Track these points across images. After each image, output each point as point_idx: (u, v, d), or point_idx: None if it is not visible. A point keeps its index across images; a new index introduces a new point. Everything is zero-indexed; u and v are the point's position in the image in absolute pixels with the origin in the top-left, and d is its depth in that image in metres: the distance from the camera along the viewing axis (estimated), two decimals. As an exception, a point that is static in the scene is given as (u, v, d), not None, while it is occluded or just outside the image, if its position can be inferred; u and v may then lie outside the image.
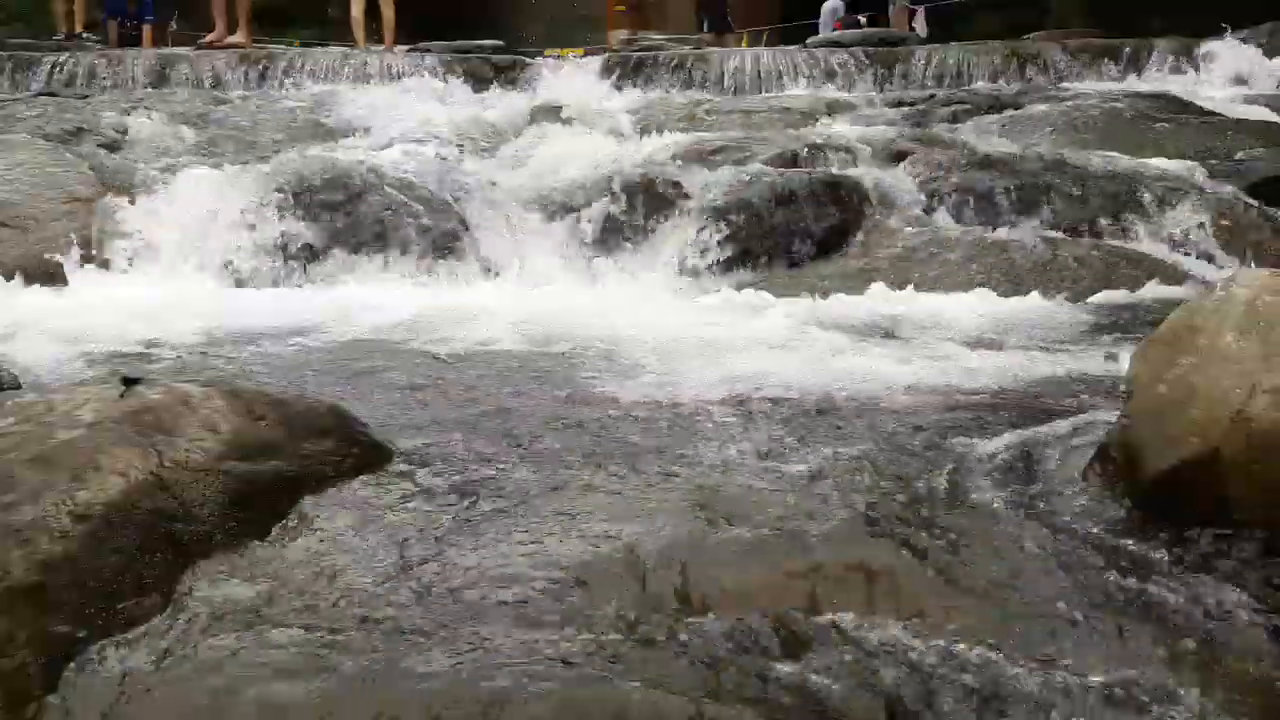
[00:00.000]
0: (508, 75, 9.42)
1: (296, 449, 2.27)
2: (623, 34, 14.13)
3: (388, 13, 11.27)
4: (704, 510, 2.09)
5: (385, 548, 1.96)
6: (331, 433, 2.35)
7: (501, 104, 8.16)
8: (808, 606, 1.76)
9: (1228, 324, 2.02)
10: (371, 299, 4.23)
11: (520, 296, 4.28)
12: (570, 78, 9.41)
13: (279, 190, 5.01)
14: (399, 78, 9.26)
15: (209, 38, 11.45)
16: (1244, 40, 10.35)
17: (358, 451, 2.34)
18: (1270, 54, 9.92)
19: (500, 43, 11.30)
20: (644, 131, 7.05)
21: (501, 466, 2.32)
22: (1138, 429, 2.12)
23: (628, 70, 9.70)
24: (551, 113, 7.50)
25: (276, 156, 5.54)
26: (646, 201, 5.25)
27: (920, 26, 14.70)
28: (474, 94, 8.65)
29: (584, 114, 7.48)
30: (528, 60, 10.06)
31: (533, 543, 1.96)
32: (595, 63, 10.03)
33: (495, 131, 6.75)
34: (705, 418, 2.71)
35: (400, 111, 7.59)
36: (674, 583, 1.83)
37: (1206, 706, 1.58)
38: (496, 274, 4.79)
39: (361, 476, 2.27)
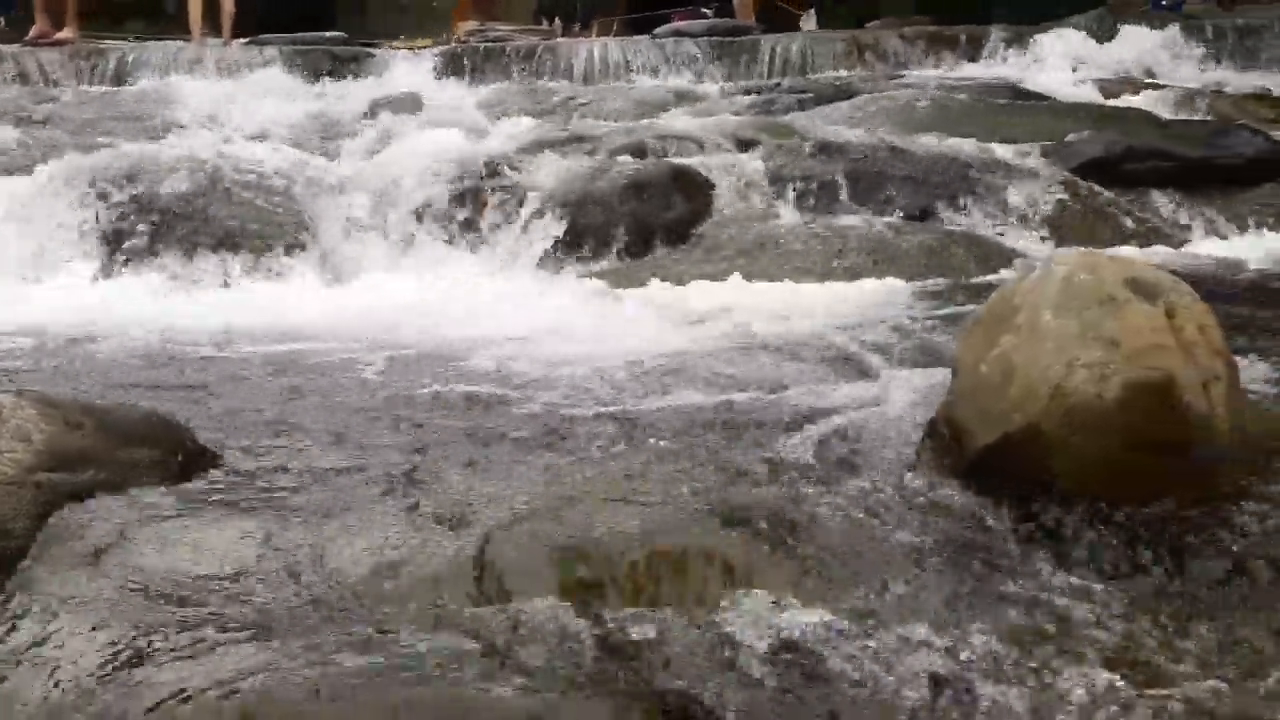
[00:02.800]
0: (350, 68, 9.23)
1: (116, 457, 2.17)
2: (471, 25, 13.95)
3: (227, 5, 10.93)
4: (531, 504, 2.07)
5: (207, 553, 1.90)
6: (154, 440, 2.26)
7: (345, 97, 7.99)
8: (641, 594, 1.76)
9: (1045, 303, 2.08)
10: (205, 300, 4.09)
11: (361, 293, 4.19)
12: (416, 70, 9.27)
13: (106, 188, 4.81)
14: (237, 71, 8.99)
15: (32, 33, 10.95)
16: (1075, 27, 10.76)
17: (182, 458, 2.25)
18: (1100, 39, 10.32)
19: (343, 35, 11.06)
20: (492, 123, 6.98)
21: (331, 467, 2.27)
22: (963, 406, 2.18)
23: (475, 61, 9.60)
24: (396, 105, 7.36)
25: (104, 152, 5.30)
26: (495, 193, 5.20)
27: (810, 24, 14.84)
28: (315, 87, 8.45)
29: (430, 106, 7.38)
30: (371, 52, 9.87)
31: (363, 543, 1.92)
32: (442, 54, 9.90)
33: (337, 125, 6.59)
34: (540, 411, 2.69)
35: (238, 106, 7.36)
36: (504, 577, 1.81)
37: (1031, 667, 1.63)
38: (338, 271, 4.68)
39: (186, 484, 2.19)
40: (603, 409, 2.73)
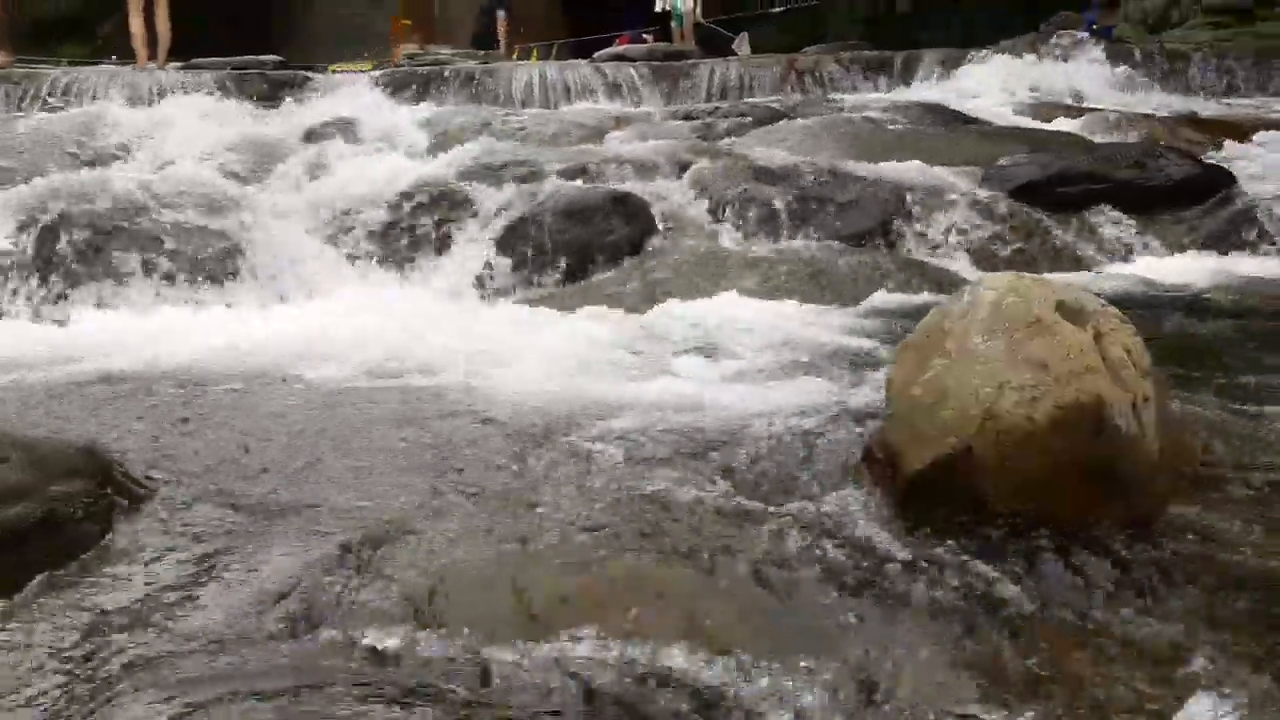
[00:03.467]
0: (288, 92, 9.15)
1: (45, 491, 2.13)
2: (410, 49, 13.94)
3: (163, 29, 10.80)
4: (460, 533, 2.06)
5: (136, 588, 1.86)
6: (84, 473, 2.22)
7: (281, 121, 7.91)
8: (578, 623, 1.75)
9: (975, 326, 2.11)
10: (141, 329, 4.02)
11: (296, 320, 4.14)
12: (354, 93, 9.22)
13: (37, 216, 4.72)
14: (172, 96, 8.88)
15: (-39, 58, 10.78)
16: (1008, 52, 10.95)
17: (112, 491, 2.21)
18: (1032, 64, 10.52)
19: (280, 59, 10.98)
20: (432, 147, 6.96)
21: (261, 499, 2.24)
22: (897, 429, 2.20)
23: (414, 85, 9.57)
24: (334, 129, 7.32)
25: (37, 180, 5.21)
26: (435, 218, 5.19)
27: (743, 48, 14.99)
28: (252, 111, 8.37)
29: (368, 130, 7.34)
30: (309, 76, 9.80)
31: (290, 573, 1.90)
32: (380, 78, 9.86)
33: (275, 149, 6.52)
34: (476, 437, 2.67)
35: (174, 131, 7.27)
36: (429, 604, 1.80)
37: (958, 684, 1.64)
38: (278, 297, 4.63)
39: (117, 517, 2.15)
40: (536, 434, 2.72)
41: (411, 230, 5.12)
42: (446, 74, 9.84)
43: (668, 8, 14.11)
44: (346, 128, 7.43)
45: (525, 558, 1.97)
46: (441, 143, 6.99)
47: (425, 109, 8.64)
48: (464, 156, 5.99)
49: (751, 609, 1.82)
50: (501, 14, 13.28)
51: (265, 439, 2.66)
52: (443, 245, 5.06)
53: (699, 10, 15.11)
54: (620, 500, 2.23)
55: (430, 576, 1.89)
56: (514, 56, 12.91)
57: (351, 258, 5.04)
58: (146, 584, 1.91)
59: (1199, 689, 1.57)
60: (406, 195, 5.25)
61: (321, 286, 4.77)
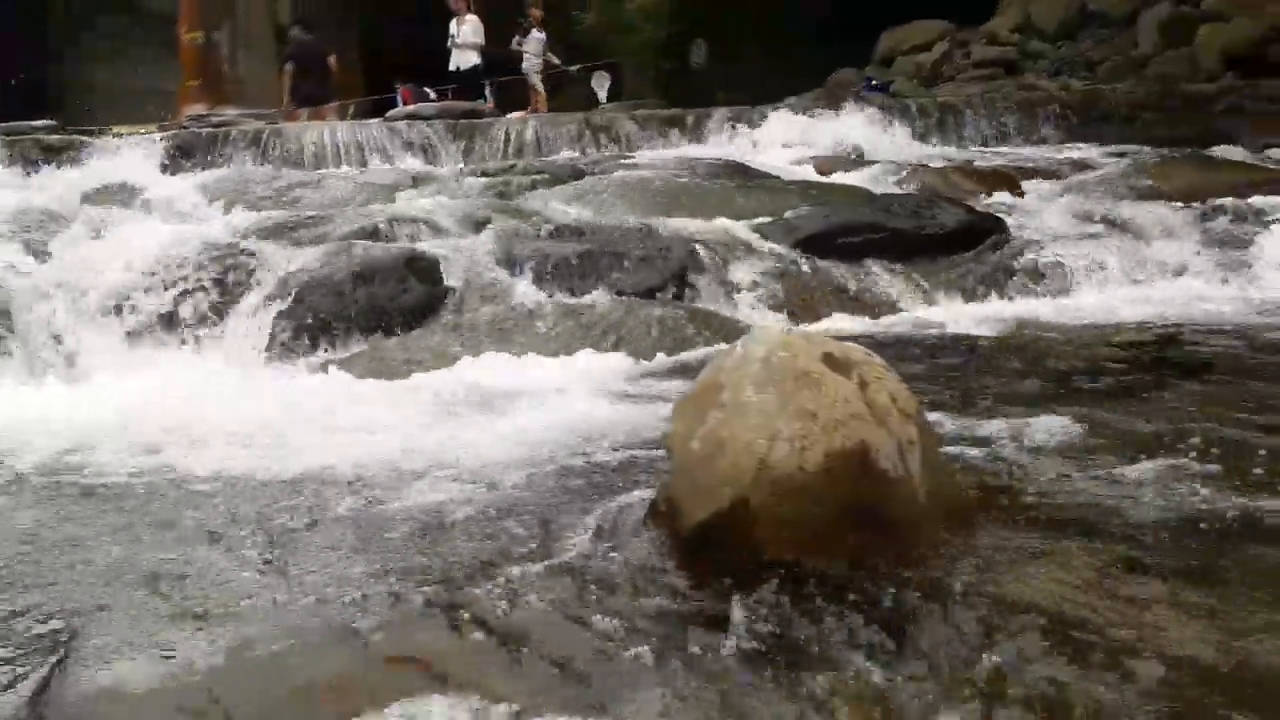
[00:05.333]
0: (64, 156, 8.76)
1: None
2: (198, 109, 13.57)
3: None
4: (238, 608, 1.98)
5: None
6: None
7: (54, 187, 7.54)
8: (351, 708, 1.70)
9: (747, 380, 2.16)
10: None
11: (70, 397, 3.94)
12: (136, 157, 8.88)
13: None
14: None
15: None
16: (793, 108, 11.38)
17: None
18: (816, 119, 10.94)
19: (53, 122, 10.50)
20: (216, 211, 6.75)
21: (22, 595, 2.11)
22: (679, 482, 2.23)
23: (200, 147, 9.30)
24: (110, 195, 7.02)
25: None
26: (219, 283, 5.03)
27: (602, 94, 15.04)
28: (23, 178, 7.97)
29: (148, 195, 7.07)
30: (86, 140, 9.40)
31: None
32: (164, 140, 9.54)
33: (46, 217, 6.21)
34: (254, 514, 2.59)
35: (-65, 199, 6.84)
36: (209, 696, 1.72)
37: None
38: (43, 373, 4.39)
39: None
40: (320, 504, 2.65)
41: (193, 298, 4.94)
42: (233, 135, 9.60)
43: (463, 67, 14.09)
44: (125, 193, 7.14)
45: (318, 627, 1.90)
46: (228, 205, 6.79)
47: (210, 171, 8.40)
48: (250, 220, 5.84)
49: (531, 663, 1.81)
50: (289, 67, 12.84)
51: (37, 519, 2.50)
52: (228, 312, 4.90)
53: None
54: (412, 571, 2.18)
55: (218, 662, 1.81)
56: (292, 117, 12.56)
57: (128, 331, 4.83)
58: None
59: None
60: (188, 261, 5.06)
61: (96, 362, 4.55)
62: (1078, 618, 1.89)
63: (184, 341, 4.83)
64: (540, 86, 15.00)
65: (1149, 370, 3.85)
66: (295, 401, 3.91)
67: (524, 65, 14.88)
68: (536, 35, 14.93)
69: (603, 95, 15.28)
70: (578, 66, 16.39)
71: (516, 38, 15.06)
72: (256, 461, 2.99)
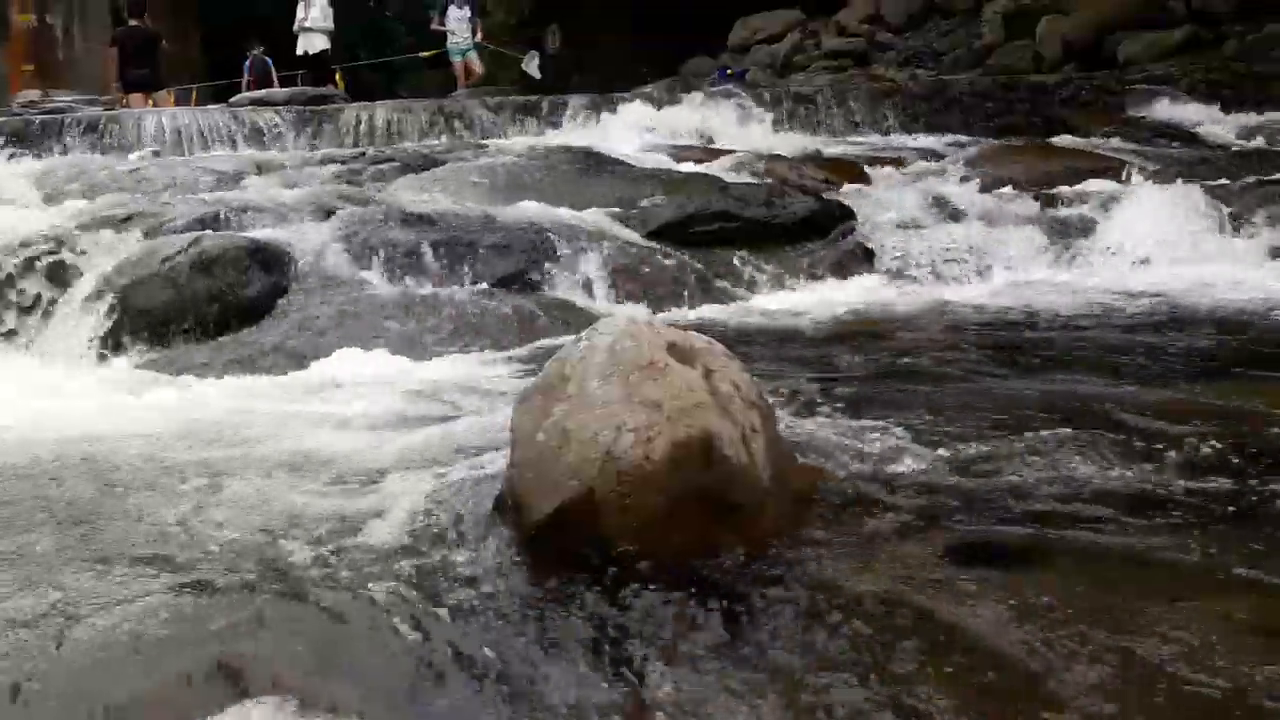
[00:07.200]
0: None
1: None
2: (31, 95, 12.93)
3: None
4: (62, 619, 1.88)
5: None
6: None
7: None
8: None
9: (592, 371, 2.13)
10: None
11: None
12: (-39, 144, 8.45)
13: None
14: None
15: None
16: (647, 98, 11.39)
17: None
18: (670, 107, 10.97)
19: None
20: (47, 199, 6.44)
21: None
22: (523, 476, 2.19)
23: (31, 134, 8.87)
24: (-71, 183, 6.66)
25: None
26: (42, 277, 4.79)
27: (533, 71, 14.63)
28: None
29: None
30: (-96, 127, 8.92)
31: None
32: (-7, 126, 9.09)
33: None
34: (77, 519, 2.46)
35: None
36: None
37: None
38: None
39: None
40: (152, 513, 2.54)
41: (18, 291, 4.69)
42: (67, 121, 9.18)
43: (310, 51, 13.71)
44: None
45: (156, 638, 1.81)
46: (56, 195, 6.48)
47: (43, 160, 8.02)
48: (80, 209, 5.57)
49: (369, 663, 1.76)
50: (113, 51, 12.23)
51: None
52: (51, 308, 4.66)
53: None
54: (230, 570, 2.10)
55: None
56: (122, 102, 11.89)
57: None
58: None
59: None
60: (11, 252, 4.81)
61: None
62: (912, 604, 1.92)
63: (5, 338, 4.59)
64: (477, 62, 14.43)
65: (990, 355, 3.95)
66: (113, 404, 3.73)
67: (450, 43, 14.39)
68: (456, 11, 14.39)
69: (534, 73, 14.84)
70: (428, 53, 16.09)
71: (435, 18, 14.62)
72: (66, 468, 2.85)
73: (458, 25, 14.33)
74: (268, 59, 13.91)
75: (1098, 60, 13.07)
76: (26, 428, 3.18)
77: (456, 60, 14.42)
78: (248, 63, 14.12)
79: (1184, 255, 5.69)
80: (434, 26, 14.75)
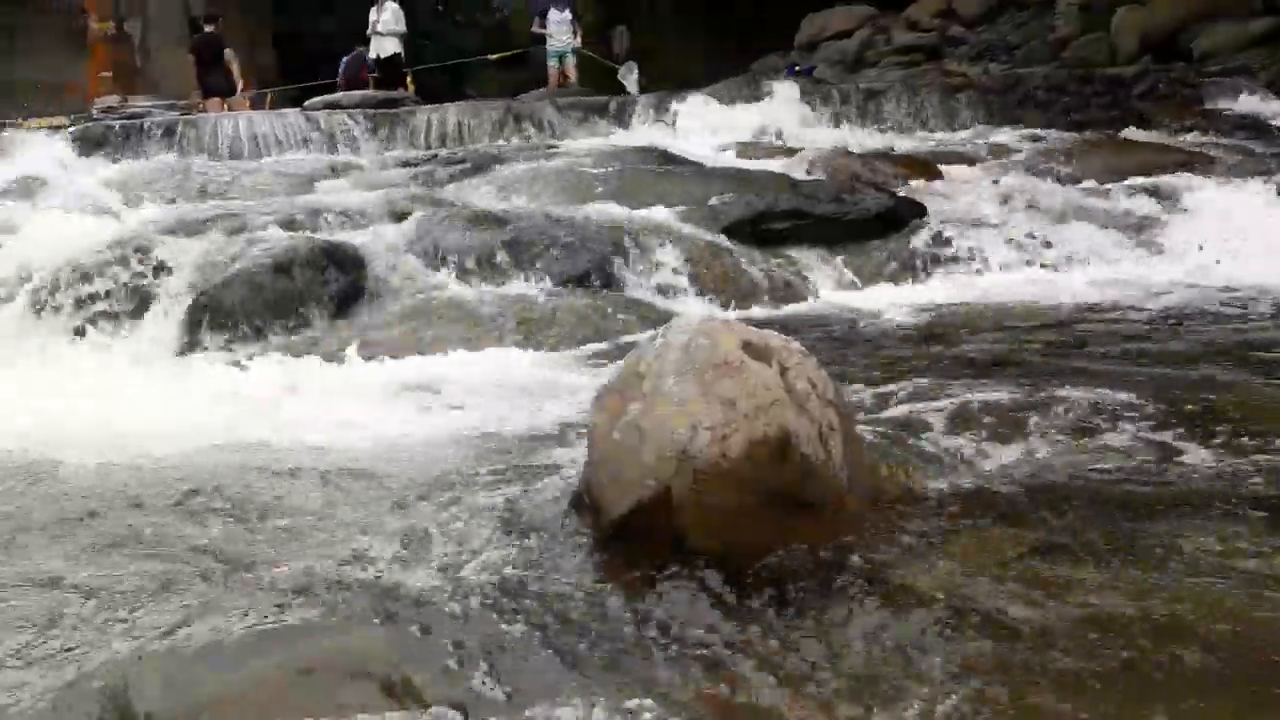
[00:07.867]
0: (-36, 152, 8.49)
1: None
2: (109, 100, 13.22)
3: None
4: (142, 611, 1.93)
5: None
6: None
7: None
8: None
9: (667, 369, 2.14)
10: None
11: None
12: (45, 150, 8.64)
13: None
14: None
15: None
16: (715, 95, 11.35)
17: None
18: (739, 105, 10.92)
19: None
20: (129, 204, 6.59)
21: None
22: (600, 474, 2.20)
23: (111, 139, 9.07)
24: (17, 190, 6.82)
25: None
26: (134, 280, 4.90)
27: (631, 85, 14.60)
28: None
29: (58, 188, 6.88)
30: (-9, 133, 9.16)
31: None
32: (74, 133, 9.29)
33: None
34: (166, 522, 2.53)
35: None
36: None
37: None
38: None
39: None
40: (237, 502, 2.60)
41: (107, 295, 4.81)
42: (146, 126, 9.36)
43: (383, 55, 13.84)
44: (33, 187, 6.94)
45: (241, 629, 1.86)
46: (140, 199, 6.63)
47: (124, 163, 8.20)
48: (162, 213, 5.70)
49: (456, 658, 1.78)
50: (191, 59, 12.33)
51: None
52: (142, 308, 4.77)
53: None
54: (325, 554, 2.14)
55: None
56: (199, 108, 12.10)
57: (43, 327, 4.70)
58: None
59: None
60: (99, 256, 4.93)
61: (6, 358, 4.42)
62: (994, 599, 1.90)
63: (94, 338, 4.72)
64: (573, 67, 14.37)
65: (1065, 352, 3.89)
66: (209, 397, 3.83)
67: (549, 46, 14.37)
68: (557, 14, 14.38)
69: (633, 87, 14.75)
70: (496, 55, 16.15)
71: (535, 20, 14.64)
72: (166, 457, 2.92)
73: (557, 28, 14.30)
74: (367, 58, 13.95)
75: (1174, 53, 12.78)
76: (123, 424, 3.27)
77: (553, 65, 14.41)
78: (345, 60, 14.17)
79: (1265, 249, 5.55)
80: (534, 29, 14.75)
